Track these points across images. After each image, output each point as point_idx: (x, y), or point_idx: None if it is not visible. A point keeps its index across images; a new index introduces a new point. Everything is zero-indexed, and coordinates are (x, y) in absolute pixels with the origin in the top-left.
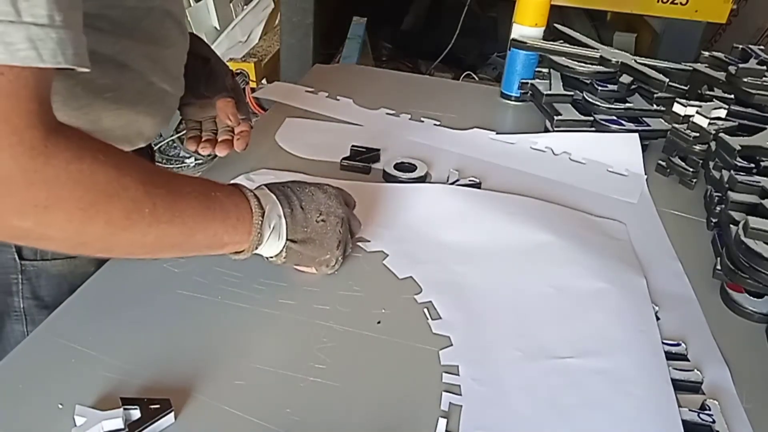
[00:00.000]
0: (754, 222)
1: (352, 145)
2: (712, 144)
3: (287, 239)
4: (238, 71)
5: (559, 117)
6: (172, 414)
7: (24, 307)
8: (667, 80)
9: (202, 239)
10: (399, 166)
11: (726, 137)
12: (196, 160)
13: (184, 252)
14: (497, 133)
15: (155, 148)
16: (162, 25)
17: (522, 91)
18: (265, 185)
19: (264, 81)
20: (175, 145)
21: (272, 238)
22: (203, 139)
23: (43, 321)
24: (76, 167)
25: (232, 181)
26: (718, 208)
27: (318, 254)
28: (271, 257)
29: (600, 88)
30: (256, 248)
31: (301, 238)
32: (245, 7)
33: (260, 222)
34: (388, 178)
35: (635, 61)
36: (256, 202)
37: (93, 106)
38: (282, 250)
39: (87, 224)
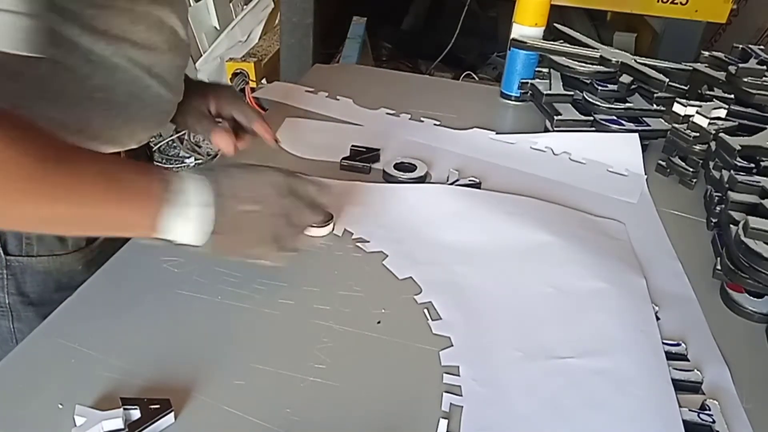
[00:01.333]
0: (754, 222)
1: (352, 145)
2: (712, 144)
3: (212, 228)
4: (238, 71)
5: (559, 117)
6: (172, 414)
7: (9, 302)
8: (667, 80)
9: (105, 219)
10: (399, 166)
11: (726, 137)
12: (196, 159)
13: (89, 230)
14: (497, 133)
15: (155, 148)
16: (158, 31)
17: (522, 91)
18: (201, 169)
19: (264, 81)
20: (175, 145)
21: (193, 226)
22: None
23: (28, 317)
24: None
25: None
26: (718, 208)
27: (245, 246)
28: (196, 246)
29: (600, 88)
30: (168, 234)
31: (226, 228)
32: (245, 7)
33: (169, 208)
34: (388, 178)
35: (635, 61)
36: (173, 187)
37: (84, 105)
38: (206, 240)
39: None
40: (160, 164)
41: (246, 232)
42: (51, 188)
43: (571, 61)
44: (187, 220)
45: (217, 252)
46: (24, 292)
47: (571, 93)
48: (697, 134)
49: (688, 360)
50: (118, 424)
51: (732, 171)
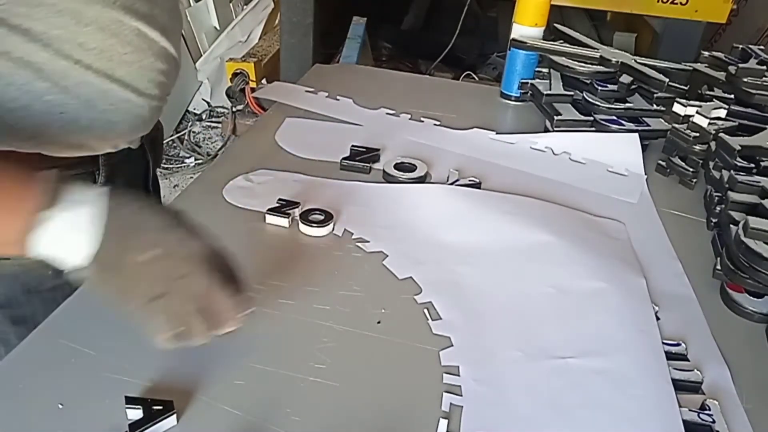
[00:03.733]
0: (754, 222)
1: (352, 145)
2: (712, 144)
3: (94, 257)
4: (238, 71)
5: (559, 117)
6: (175, 417)
7: None
8: (667, 80)
9: None
10: (399, 166)
11: (726, 137)
12: (195, 160)
13: None
14: (497, 133)
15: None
16: (113, 33)
17: (522, 91)
18: (121, 190)
19: (264, 81)
20: (175, 145)
21: (69, 248)
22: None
23: None
24: None
25: (230, 182)
26: (718, 208)
27: (123, 293)
28: (72, 271)
29: (600, 88)
30: (31, 253)
31: (110, 263)
32: (245, 7)
33: (35, 224)
34: (388, 178)
35: (635, 61)
36: (48, 200)
37: (32, 109)
38: (85, 268)
39: None
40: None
41: (131, 277)
42: None
43: (571, 61)
44: (63, 240)
45: (93, 287)
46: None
47: (571, 93)
48: (697, 134)
49: (688, 360)
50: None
51: (732, 171)
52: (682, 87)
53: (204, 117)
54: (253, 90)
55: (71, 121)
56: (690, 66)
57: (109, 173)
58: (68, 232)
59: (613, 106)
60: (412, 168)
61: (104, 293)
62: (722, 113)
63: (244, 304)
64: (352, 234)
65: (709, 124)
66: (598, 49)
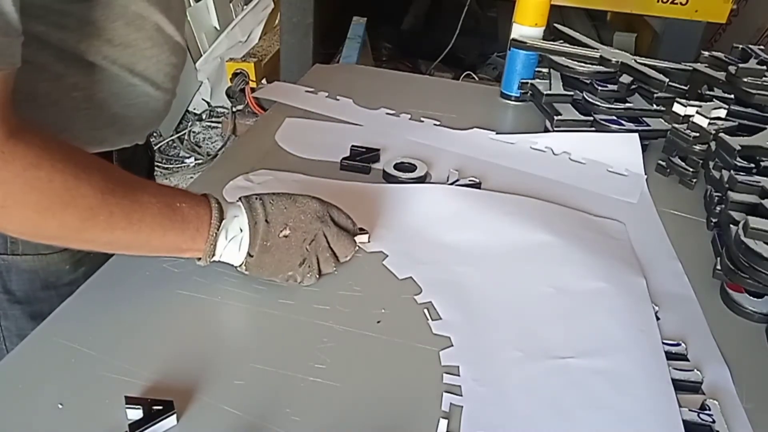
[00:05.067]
0: (754, 222)
1: (352, 145)
2: (712, 144)
3: (247, 252)
4: (238, 71)
5: (559, 117)
6: (175, 417)
7: None
8: (667, 80)
9: (160, 245)
10: (399, 166)
11: (726, 137)
12: (195, 160)
13: (143, 253)
14: (497, 133)
15: (155, 148)
16: (137, 27)
17: (522, 91)
18: (244, 196)
19: (264, 81)
20: (175, 145)
21: (231, 249)
22: None
23: (15, 315)
24: (33, 174)
25: (230, 182)
26: (718, 208)
27: (278, 269)
28: (237, 267)
29: (600, 88)
30: (212, 257)
31: (259, 251)
32: (245, 7)
33: (215, 234)
34: (388, 178)
35: (635, 61)
36: (218, 214)
37: (61, 105)
38: (243, 262)
39: (42, 225)
40: (159, 164)
41: (279, 256)
42: (111, 218)
43: (571, 61)
44: (234, 245)
45: (254, 273)
46: (10, 290)
47: (571, 93)
48: (697, 134)
49: (688, 360)
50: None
51: (732, 171)
52: (682, 87)
53: (204, 117)
54: (253, 90)
55: (96, 116)
56: (690, 66)
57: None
58: (234, 237)
59: (613, 106)
60: (412, 168)
61: (261, 274)
62: (722, 113)
63: (354, 240)
64: None
65: (709, 124)
66: (598, 49)
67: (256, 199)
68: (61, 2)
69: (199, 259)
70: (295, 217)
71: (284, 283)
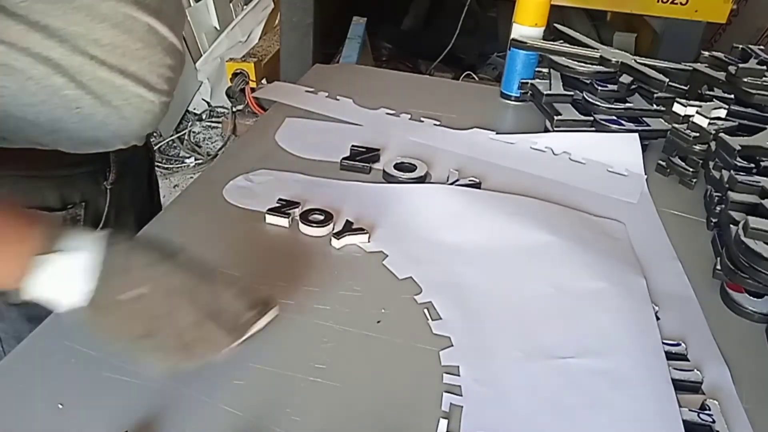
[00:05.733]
0: (754, 222)
1: (352, 145)
2: (712, 144)
3: (90, 299)
4: (238, 71)
5: (559, 117)
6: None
7: None
8: (667, 80)
9: None
10: (399, 166)
11: (726, 137)
12: (195, 160)
13: None
14: (497, 133)
15: (155, 148)
16: (126, 29)
17: (522, 91)
18: (112, 232)
19: (264, 81)
20: (175, 145)
21: (64, 290)
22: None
23: (11, 317)
24: None
25: (230, 182)
26: (718, 208)
27: (116, 331)
28: (67, 311)
29: (600, 88)
30: (26, 295)
31: (103, 303)
32: (245, 7)
33: (31, 268)
34: (388, 178)
35: (635, 61)
36: (45, 244)
37: (49, 104)
38: (83, 309)
39: None
40: (159, 164)
41: (122, 316)
42: None
43: (571, 61)
44: (58, 283)
45: (89, 324)
46: (6, 293)
47: (571, 93)
48: (697, 134)
49: (688, 360)
50: None
51: (732, 171)
52: (682, 87)
53: (204, 117)
54: (253, 90)
55: (87, 116)
56: (690, 66)
57: (119, 171)
58: (63, 276)
59: (613, 106)
60: (412, 168)
61: (97, 332)
62: (722, 113)
63: (232, 337)
64: None
65: (709, 124)
66: (598, 49)
67: (124, 239)
68: (43, 3)
69: (2, 294)
70: (158, 278)
71: (125, 355)
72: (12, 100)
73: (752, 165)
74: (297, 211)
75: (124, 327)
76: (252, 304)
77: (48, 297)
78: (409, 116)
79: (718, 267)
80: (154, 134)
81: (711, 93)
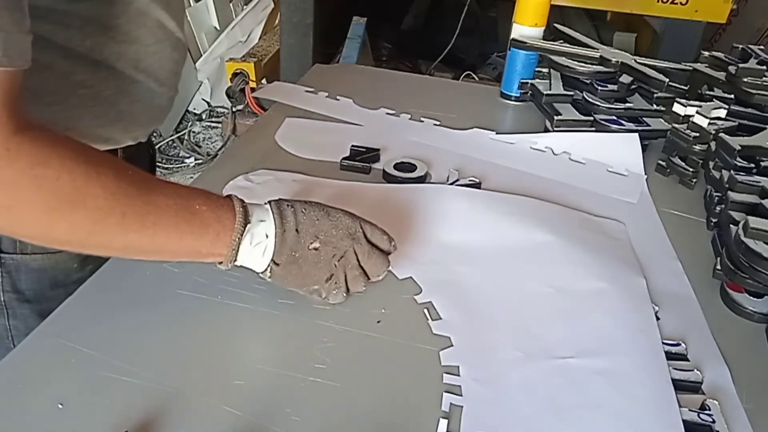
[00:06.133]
0: (754, 222)
1: (352, 145)
2: (712, 144)
3: (271, 259)
4: (238, 71)
5: (559, 117)
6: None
7: (5, 300)
8: (667, 80)
9: (177, 249)
10: (399, 166)
11: (726, 137)
12: (195, 160)
13: (160, 258)
14: (497, 133)
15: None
16: (140, 23)
17: (522, 91)
18: (274, 200)
19: (264, 81)
20: (175, 145)
21: (255, 255)
22: None
23: (24, 314)
24: (40, 172)
25: (230, 182)
26: (718, 208)
27: (302, 282)
28: (260, 273)
29: (600, 88)
30: (233, 262)
31: (286, 261)
32: (245, 7)
33: (238, 238)
34: (388, 178)
35: (635, 61)
36: (242, 218)
37: (69, 103)
38: (267, 269)
39: (51, 227)
40: (160, 164)
41: (306, 269)
42: (124, 219)
43: (571, 61)
44: (258, 251)
45: (277, 282)
46: (19, 290)
47: (571, 93)
48: (697, 134)
49: (688, 360)
50: None
51: (732, 171)
52: (682, 87)
53: (204, 117)
54: (253, 90)
55: (102, 113)
56: (690, 66)
57: None
58: (259, 243)
59: (613, 106)
60: (412, 168)
61: (287, 284)
62: (722, 113)
63: (387, 259)
64: None
65: (709, 124)
66: (598, 49)
67: (288, 206)
68: (66, 2)
69: (221, 263)
70: (326, 231)
71: (308, 296)
72: (34, 100)
73: (752, 165)
74: None
75: (311, 276)
76: (388, 237)
77: (249, 262)
78: (409, 116)
79: (718, 267)
80: (154, 134)
81: (711, 93)
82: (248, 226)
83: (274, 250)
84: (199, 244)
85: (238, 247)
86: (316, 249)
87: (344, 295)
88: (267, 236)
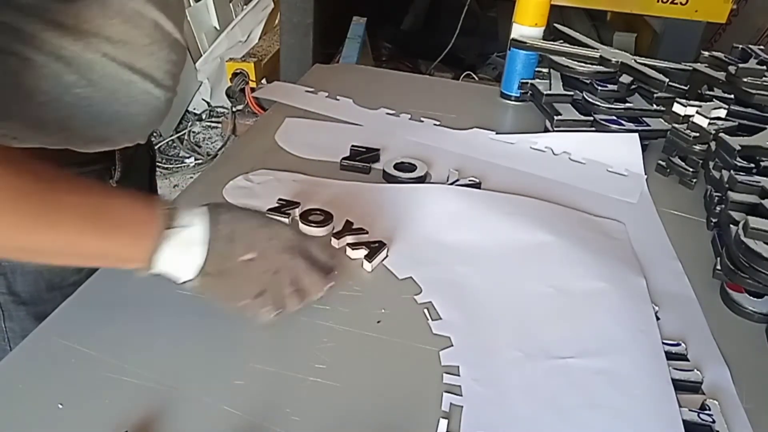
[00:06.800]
0: (754, 222)
1: (352, 145)
2: (712, 144)
3: (200, 268)
4: (238, 71)
5: (559, 117)
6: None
7: (0, 302)
8: (667, 80)
9: (83, 252)
10: (399, 166)
11: (726, 137)
12: (195, 160)
13: (68, 261)
14: (497, 133)
15: (155, 148)
16: (135, 24)
17: (522, 91)
18: (213, 204)
19: (264, 81)
20: (175, 145)
21: (181, 263)
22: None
23: (20, 316)
24: None
25: (230, 182)
26: (718, 208)
27: (230, 295)
28: (183, 283)
29: (600, 88)
30: (150, 269)
31: (213, 271)
32: (245, 7)
33: (156, 244)
34: (388, 178)
35: (635, 61)
36: (164, 221)
37: (61, 103)
38: (192, 279)
39: None
40: (159, 165)
41: (234, 281)
42: (27, 218)
43: (571, 61)
44: (187, 259)
45: (205, 294)
46: (15, 292)
47: (571, 93)
48: (697, 134)
49: (688, 360)
50: None
51: (732, 171)
52: (682, 87)
53: (204, 117)
54: (253, 90)
55: (97, 114)
56: (690, 66)
57: (124, 169)
58: (184, 249)
59: (613, 106)
60: (412, 168)
61: (214, 297)
62: (722, 113)
63: (328, 278)
64: None
65: (709, 124)
66: (598, 49)
67: (225, 210)
68: (59, 1)
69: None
70: (262, 242)
71: (237, 313)
72: (26, 99)
73: (752, 165)
74: (297, 211)
75: (240, 290)
76: (332, 254)
77: (171, 270)
78: (409, 116)
79: (718, 267)
80: (154, 134)
81: (711, 93)
82: (172, 231)
83: (204, 259)
84: (110, 246)
85: (157, 254)
86: (248, 261)
87: (275, 314)
88: (195, 243)
